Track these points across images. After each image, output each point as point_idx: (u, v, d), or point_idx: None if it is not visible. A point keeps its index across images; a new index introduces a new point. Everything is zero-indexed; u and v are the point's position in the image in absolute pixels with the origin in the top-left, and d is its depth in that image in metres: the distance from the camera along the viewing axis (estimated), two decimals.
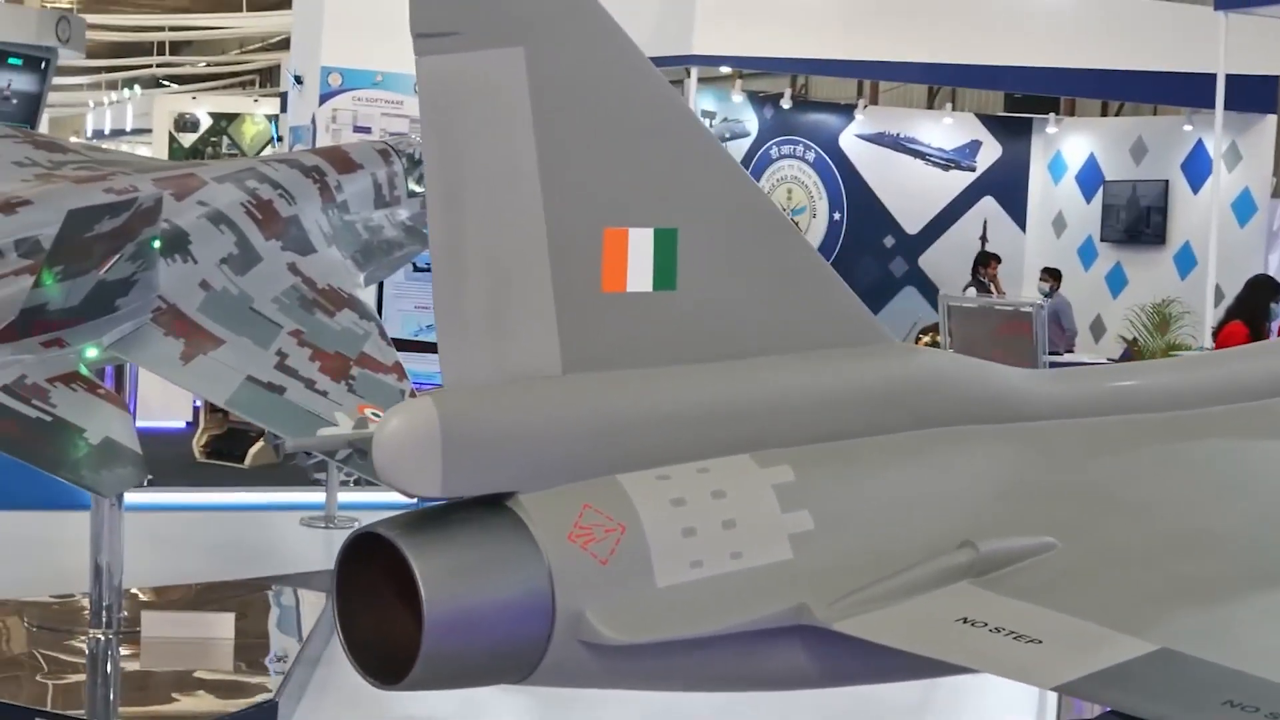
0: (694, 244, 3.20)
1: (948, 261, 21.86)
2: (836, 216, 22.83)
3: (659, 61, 20.26)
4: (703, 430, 3.18)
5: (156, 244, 6.35)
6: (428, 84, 2.99)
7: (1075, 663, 2.91)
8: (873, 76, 24.46)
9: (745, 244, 3.29)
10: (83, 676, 7.33)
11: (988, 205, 23.02)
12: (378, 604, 2.97)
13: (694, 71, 18.44)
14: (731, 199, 3.28)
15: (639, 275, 3.15)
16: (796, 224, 22.88)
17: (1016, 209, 23.16)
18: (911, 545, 3.24)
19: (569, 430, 3.05)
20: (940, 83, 25.24)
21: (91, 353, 6.23)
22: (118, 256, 6.09)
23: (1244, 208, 20.33)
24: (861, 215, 22.77)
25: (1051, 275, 20.11)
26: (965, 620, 3.05)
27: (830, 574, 3.12)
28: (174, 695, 7.19)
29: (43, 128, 21.47)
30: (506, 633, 2.92)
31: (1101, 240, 21.99)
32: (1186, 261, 20.52)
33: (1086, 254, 22.25)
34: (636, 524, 3.00)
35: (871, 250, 22.65)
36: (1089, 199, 22.34)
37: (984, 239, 22.75)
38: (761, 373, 3.30)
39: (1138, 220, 21.46)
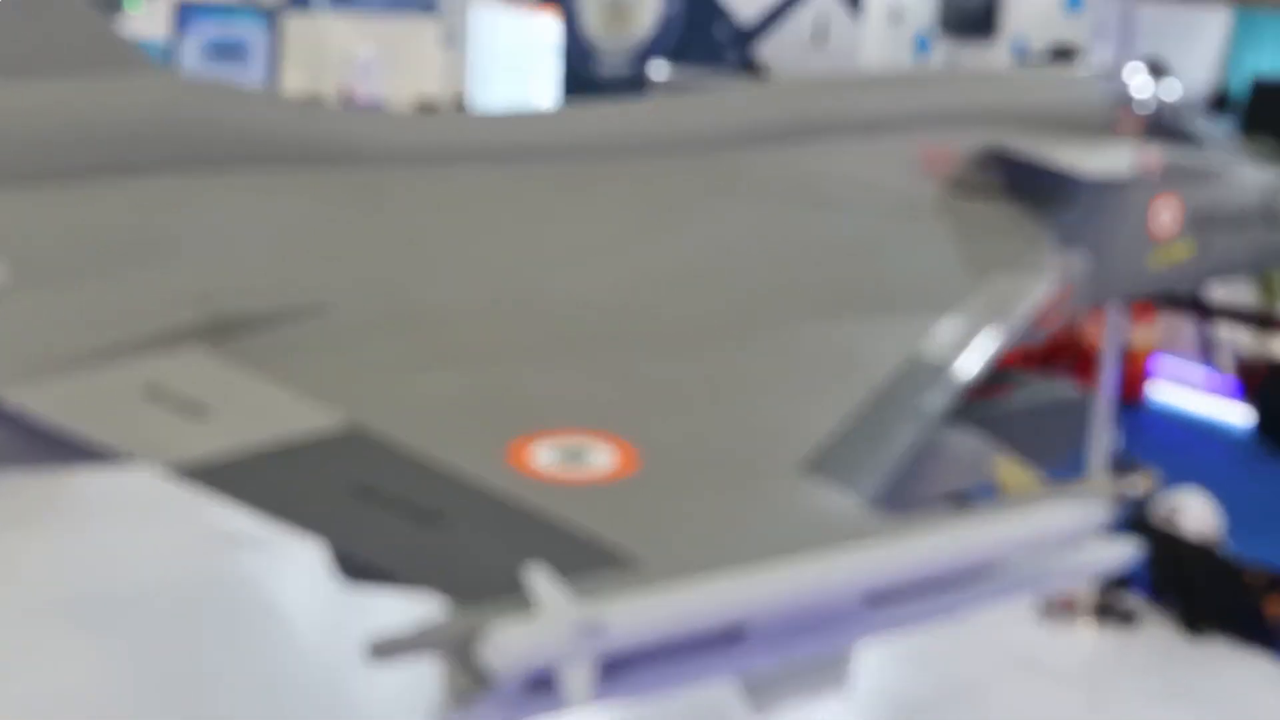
0: None
1: (783, 55, 21.13)
2: (664, 5, 21.92)
3: None
4: None
5: None
6: None
7: (212, 442, 2.41)
8: None
9: None
10: None
11: None
12: None
13: None
14: None
15: None
16: (622, 12, 21.89)
17: None
18: (142, 304, 2.76)
19: None
20: None
21: None
22: None
23: None
24: (691, 5, 21.84)
25: None
26: (149, 391, 2.58)
27: (25, 334, 2.68)
28: None
29: None
30: None
31: (938, 33, 21.26)
32: (1019, 55, 19.88)
33: (921, 47, 21.53)
34: None
35: (700, 43, 21.76)
36: None
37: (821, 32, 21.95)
38: None
39: (970, 12, 20.79)
